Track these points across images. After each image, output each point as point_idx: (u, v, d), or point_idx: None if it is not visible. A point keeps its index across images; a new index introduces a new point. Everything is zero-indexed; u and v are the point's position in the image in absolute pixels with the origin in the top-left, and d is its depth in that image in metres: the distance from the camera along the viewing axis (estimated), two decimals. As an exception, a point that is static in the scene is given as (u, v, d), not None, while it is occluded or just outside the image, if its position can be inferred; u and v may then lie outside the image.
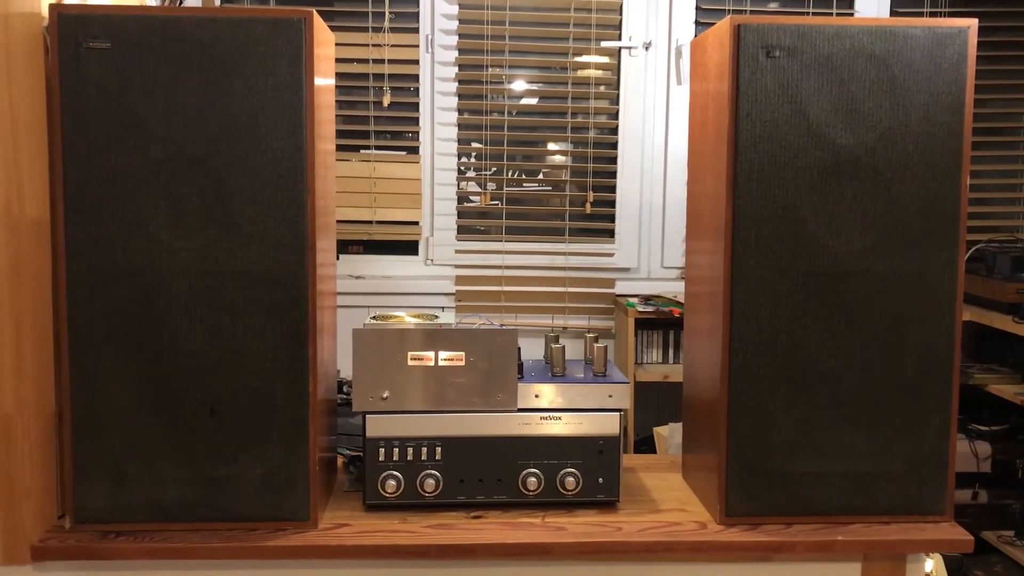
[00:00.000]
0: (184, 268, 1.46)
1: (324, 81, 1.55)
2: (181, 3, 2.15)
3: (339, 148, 3.51)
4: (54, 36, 1.42)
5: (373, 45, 3.49)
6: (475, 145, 3.62)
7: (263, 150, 1.45)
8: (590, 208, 3.62)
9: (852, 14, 3.59)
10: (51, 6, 1.43)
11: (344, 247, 3.61)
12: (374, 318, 1.67)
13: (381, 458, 1.59)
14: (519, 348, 1.61)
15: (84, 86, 1.42)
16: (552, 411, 1.61)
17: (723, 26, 1.52)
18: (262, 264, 1.46)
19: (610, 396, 1.62)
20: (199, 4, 3.16)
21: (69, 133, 1.43)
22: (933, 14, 3.60)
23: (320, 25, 1.50)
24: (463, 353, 1.59)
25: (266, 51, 1.43)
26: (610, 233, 3.67)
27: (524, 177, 3.73)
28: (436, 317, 1.69)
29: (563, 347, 1.68)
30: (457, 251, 3.62)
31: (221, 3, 3.43)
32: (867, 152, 1.51)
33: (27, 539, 1.45)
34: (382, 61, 3.50)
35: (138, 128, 1.43)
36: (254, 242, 1.46)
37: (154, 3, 2.02)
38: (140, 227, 1.45)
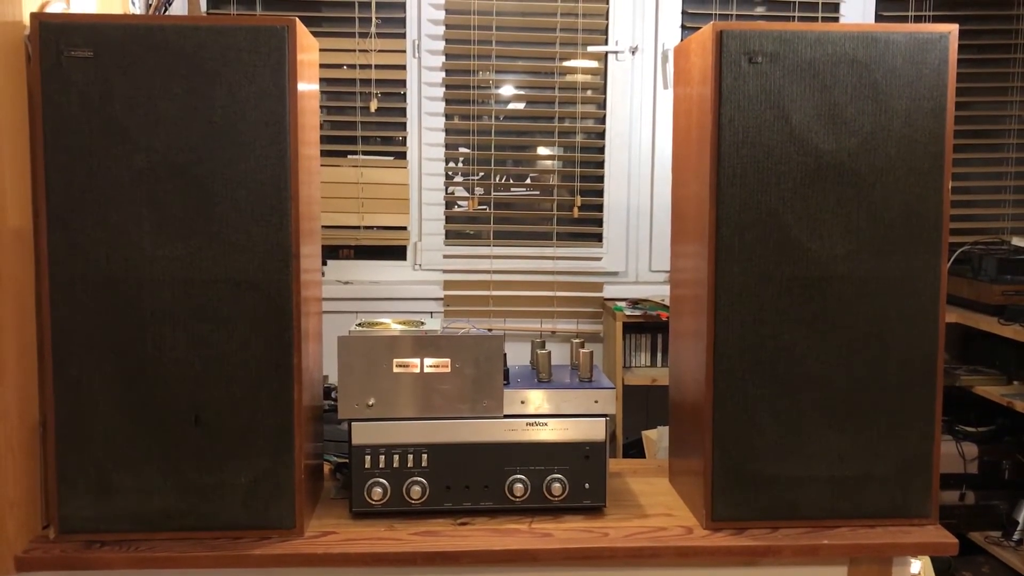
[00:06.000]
0: (167, 277, 1.46)
1: (308, 87, 1.55)
2: (166, 11, 2.15)
3: (327, 153, 3.50)
4: (36, 45, 1.41)
5: (360, 51, 3.48)
6: (463, 150, 3.61)
7: (246, 158, 1.45)
8: (578, 212, 3.62)
9: (837, 19, 3.60)
10: (33, 15, 1.42)
11: (334, 251, 3.60)
12: (360, 325, 1.67)
13: (367, 465, 1.58)
14: (505, 354, 1.61)
15: (66, 95, 1.42)
16: (538, 417, 1.62)
17: (706, 32, 1.53)
18: (246, 272, 1.46)
19: (596, 402, 1.62)
20: (185, 12, 3.15)
21: (51, 142, 1.43)
22: (918, 19, 3.62)
23: (303, 32, 1.50)
24: (448, 360, 1.59)
25: (249, 59, 1.43)
26: (598, 237, 3.67)
27: (512, 182, 3.73)
28: (422, 323, 1.69)
29: (549, 352, 1.68)
30: (445, 256, 3.62)
31: (207, 11, 3.42)
32: (849, 157, 1.52)
33: (11, 549, 1.45)
34: (369, 67, 3.50)
35: (121, 137, 1.43)
36: (238, 250, 1.46)
37: (139, 11, 2.02)
38: (123, 236, 1.45)
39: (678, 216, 1.74)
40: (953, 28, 1.52)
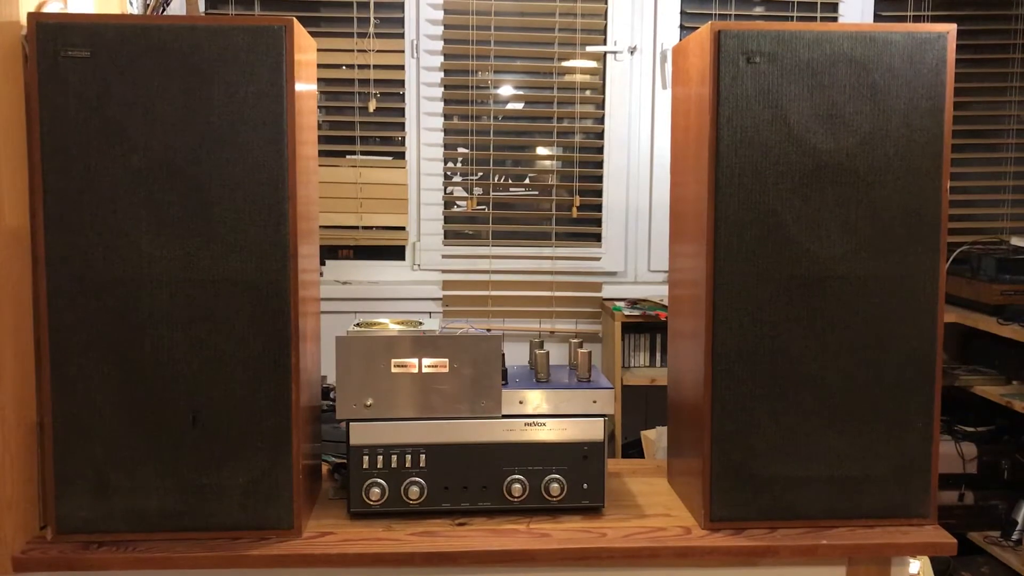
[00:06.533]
0: (165, 277, 1.45)
1: (306, 87, 1.55)
2: (164, 11, 2.14)
3: (325, 154, 3.50)
4: (33, 45, 1.41)
5: (358, 51, 3.48)
6: (461, 150, 3.61)
7: (244, 158, 1.44)
8: (576, 212, 3.62)
9: (836, 19, 3.60)
10: (30, 15, 1.42)
11: (333, 251, 3.60)
12: (358, 325, 1.66)
13: (365, 466, 1.58)
14: (503, 354, 1.61)
15: (63, 95, 1.42)
16: (536, 417, 1.61)
17: (704, 32, 1.53)
18: (244, 272, 1.46)
19: (594, 402, 1.62)
20: (183, 12, 3.15)
21: (49, 142, 1.43)
22: (916, 18, 3.62)
23: (300, 32, 1.50)
24: (447, 360, 1.59)
25: (246, 59, 1.43)
26: (597, 237, 3.67)
27: (511, 182, 3.73)
28: (420, 324, 1.69)
29: (547, 352, 1.68)
30: (444, 256, 3.62)
31: (205, 11, 3.42)
32: (848, 157, 1.52)
33: (8, 550, 1.45)
34: (367, 67, 3.50)
35: (118, 137, 1.43)
36: (235, 250, 1.46)
37: (136, 11, 2.01)
38: (121, 236, 1.45)
39: (677, 216, 1.74)
40: (951, 28, 1.52)
